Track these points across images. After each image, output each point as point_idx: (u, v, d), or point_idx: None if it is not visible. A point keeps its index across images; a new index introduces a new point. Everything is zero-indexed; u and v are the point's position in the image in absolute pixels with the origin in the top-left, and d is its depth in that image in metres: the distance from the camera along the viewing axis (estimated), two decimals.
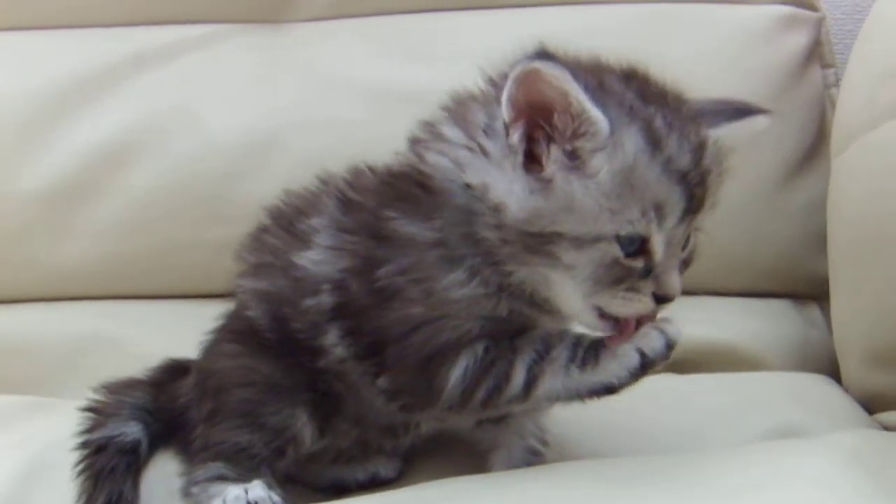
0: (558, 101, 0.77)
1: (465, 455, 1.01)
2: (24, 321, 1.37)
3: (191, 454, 0.96)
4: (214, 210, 1.34)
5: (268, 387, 0.93)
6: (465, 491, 0.87)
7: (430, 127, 0.87)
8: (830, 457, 0.84)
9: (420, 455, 1.04)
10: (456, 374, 0.84)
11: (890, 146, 1.09)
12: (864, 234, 1.11)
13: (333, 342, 0.90)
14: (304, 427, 0.92)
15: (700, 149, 0.80)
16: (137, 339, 1.33)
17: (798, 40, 1.37)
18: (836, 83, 1.40)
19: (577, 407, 0.85)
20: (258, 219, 0.98)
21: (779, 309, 1.36)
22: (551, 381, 0.83)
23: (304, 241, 0.92)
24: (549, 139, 0.79)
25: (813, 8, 1.41)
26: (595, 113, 0.76)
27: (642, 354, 0.81)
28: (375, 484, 1.01)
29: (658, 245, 0.79)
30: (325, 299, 0.90)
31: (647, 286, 0.80)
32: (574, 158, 0.78)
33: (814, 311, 1.37)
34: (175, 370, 1.09)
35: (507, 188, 0.80)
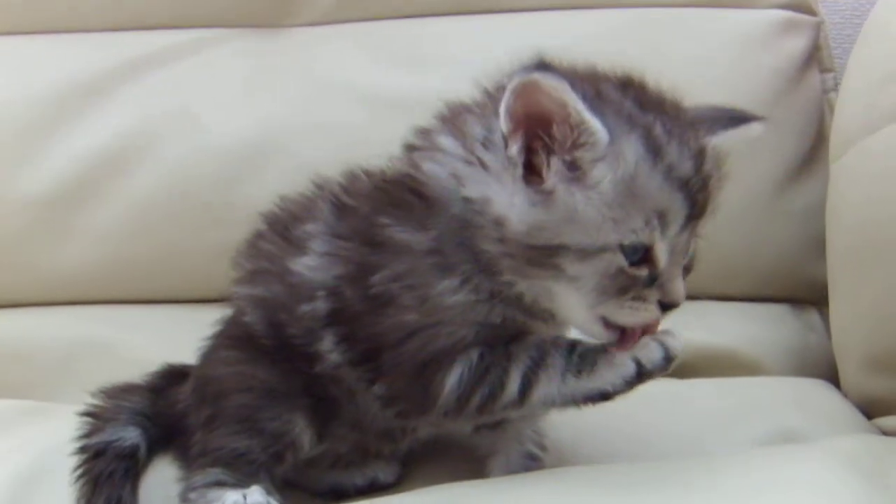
0: (557, 112, 0.77)
1: (464, 460, 1.01)
2: (21, 325, 1.37)
3: (189, 460, 0.96)
4: (212, 214, 1.34)
5: (265, 392, 0.92)
6: (463, 496, 0.87)
7: (425, 135, 0.87)
8: (829, 462, 0.84)
9: (419, 460, 1.04)
10: (451, 380, 0.84)
11: (889, 151, 1.09)
12: (863, 238, 1.11)
13: (329, 348, 0.90)
14: (302, 432, 0.92)
15: (700, 155, 0.80)
16: (135, 343, 1.33)
17: (797, 45, 1.38)
18: (835, 88, 1.40)
19: (576, 412, 0.85)
20: (254, 224, 0.98)
21: (777, 314, 1.36)
22: (546, 387, 0.83)
23: (299, 246, 0.92)
24: (549, 150, 0.78)
25: (811, 12, 1.41)
26: (594, 123, 0.76)
27: (639, 364, 0.81)
28: (374, 489, 1.01)
29: (662, 253, 0.79)
30: (320, 305, 0.90)
31: (653, 294, 0.81)
32: (574, 169, 0.78)
33: (812, 316, 1.37)
34: (173, 375, 1.09)
35: (508, 201, 0.79)
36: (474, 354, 0.84)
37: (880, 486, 0.80)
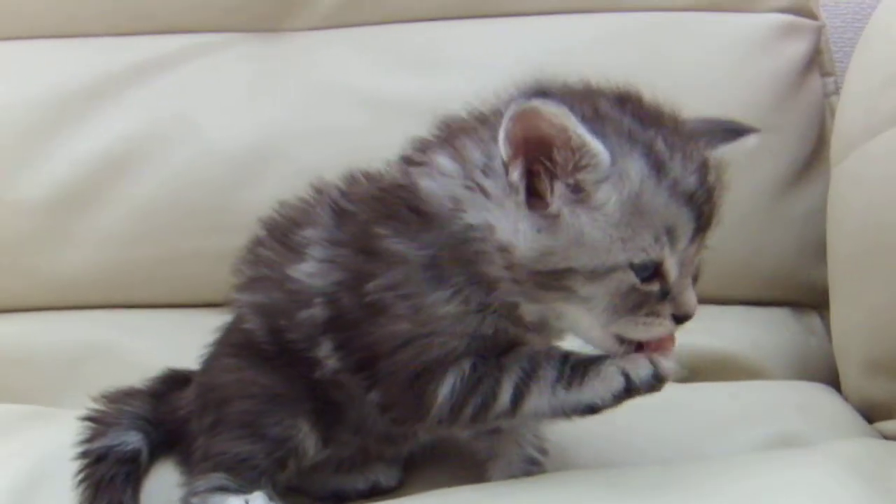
0: (557, 137, 0.76)
1: (465, 464, 1.01)
2: (23, 330, 1.37)
3: (191, 464, 0.96)
4: (214, 219, 1.34)
5: (268, 398, 0.93)
6: (464, 500, 0.87)
7: (423, 150, 0.87)
8: (830, 466, 0.84)
9: (420, 464, 1.04)
10: (444, 390, 0.84)
11: (890, 155, 1.09)
12: (864, 243, 1.11)
13: (327, 354, 0.90)
14: (306, 437, 0.92)
15: (703, 167, 0.80)
16: (136, 348, 1.33)
17: (798, 48, 1.38)
18: (836, 91, 1.40)
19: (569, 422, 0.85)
20: (254, 230, 0.98)
21: (778, 317, 1.36)
22: (538, 399, 0.83)
23: (298, 253, 0.92)
24: (552, 174, 0.78)
25: (812, 16, 1.41)
26: (595, 145, 0.76)
27: (627, 379, 0.80)
28: (375, 493, 1.01)
29: (672, 267, 0.79)
30: (318, 312, 0.90)
31: (666, 308, 0.81)
32: (578, 191, 0.77)
33: (813, 320, 1.37)
34: (175, 380, 1.09)
35: (513, 228, 0.79)
36: (466, 365, 0.84)
37: (881, 490, 0.80)
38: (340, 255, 0.89)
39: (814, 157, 1.36)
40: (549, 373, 0.83)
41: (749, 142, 0.87)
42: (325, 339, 0.90)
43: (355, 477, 1.01)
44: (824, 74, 1.41)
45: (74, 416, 1.05)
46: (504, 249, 0.80)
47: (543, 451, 0.98)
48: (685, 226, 0.78)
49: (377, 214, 0.87)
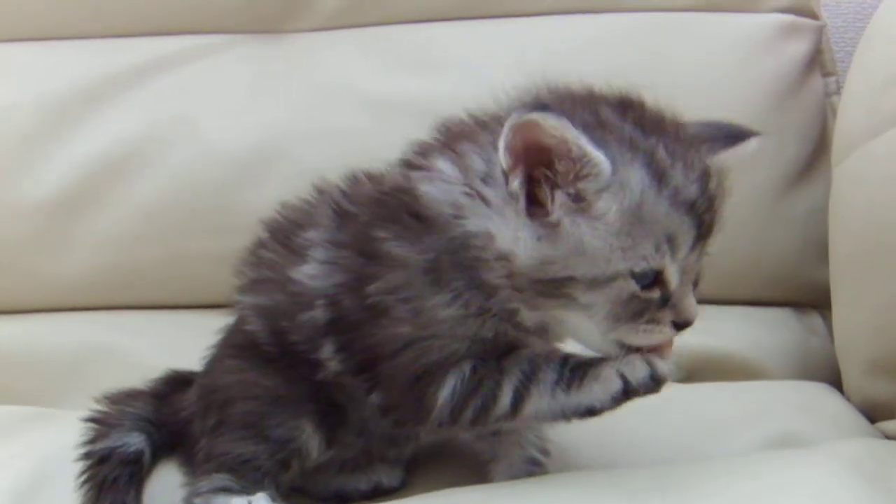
0: (557, 147, 0.76)
1: (467, 465, 1.01)
2: (25, 331, 1.37)
3: (194, 466, 0.96)
4: (215, 220, 1.34)
5: (271, 400, 0.93)
6: (466, 501, 0.87)
7: (424, 154, 0.87)
8: (832, 466, 0.84)
9: (423, 465, 1.04)
10: (444, 393, 0.84)
11: (891, 155, 1.09)
12: (866, 242, 1.11)
13: (328, 356, 0.90)
14: (309, 438, 0.92)
15: (705, 175, 0.80)
16: (138, 349, 1.33)
17: (799, 48, 1.38)
18: (838, 91, 1.40)
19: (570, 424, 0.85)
20: (256, 232, 0.98)
21: (780, 317, 1.36)
22: (538, 401, 0.83)
23: (299, 255, 0.92)
24: (552, 183, 0.78)
25: (813, 16, 1.41)
26: (595, 154, 0.75)
27: (625, 381, 0.80)
28: (378, 493, 1.01)
29: (673, 275, 0.79)
30: (320, 314, 0.90)
31: (666, 315, 0.81)
32: (579, 200, 0.77)
33: (815, 320, 1.37)
34: (177, 381, 1.09)
35: (513, 236, 0.79)
36: (467, 367, 0.84)
37: (883, 490, 0.80)
38: (342, 256, 0.89)
39: (815, 156, 1.36)
40: (548, 375, 0.83)
41: (747, 150, 0.87)
42: (326, 340, 0.90)
43: (358, 478, 1.01)
44: (825, 74, 1.41)
45: (77, 417, 1.05)
46: (504, 258, 0.80)
47: (545, 452, 0.98)
48: (686, 234, 0.78)
49: (378, 217, 0.87)
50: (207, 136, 1.36)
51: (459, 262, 0.82)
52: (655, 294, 0.79)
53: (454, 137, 0.86)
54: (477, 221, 0.81)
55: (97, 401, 1.07)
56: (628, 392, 0.81)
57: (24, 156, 1.37)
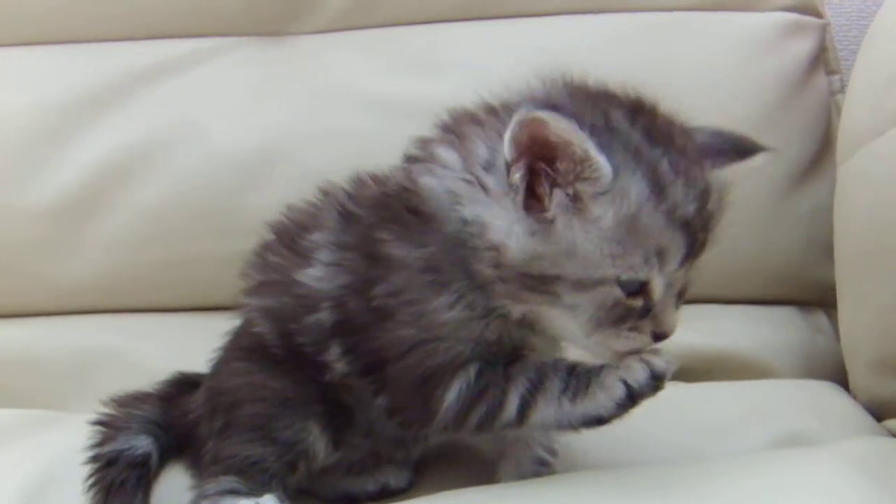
0: (562, 147, 0.76)
1: (475, 465, 1.01)
2: (31, 335, 1.37)
3: (201, 468, 0.96)
4: (220, 223, 1.34)
5: (278, 401, 0.93)
6: (473, 502, 0.87)
7: (425, 146, 0.87)
8: (838, 465, 0.84)
9: (430, 466, 1.04)
10: (450, 396, 0.84)
11: None
12: (871, 241, 1.11)
13: (335, 358, 0.91)
14: (317, 440, 0.93)
15: (705, 194, 0.80)
16: (144, 352, 1.33)
17: (803, 47, 1.38)
18: (842, 89, 1.40)
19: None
20: (261, 234, 0.98)
21: (785, 316, 1.36)
22: (544, 410, 0.83)
23: (305, 257, 0.92)
24: (553, 180, 0.78)
25: (817, 14, 1.41)
26: (599, 159, 0.76)
27: (627, 386, 0.80)
28: (385, 495, 1.01)
29: (658, 287, 0.80)
30: (326, 316, 0.90)
31: (647, 325, 0.81)
32: (576, 201, 0.77)
33: (820, 318, 1.37)
34: (184, 384, 1.09)
35: (507, 228, 0.79)
36: (472, 371, 0.84)
37: (890, 488, 0.80)
38: (347, 258, 0.89)
39: (820, 155, 1.36)
40: (555, 384, 0.83)
41: (753, 164, 0.87)
42: (333, 343, 0.90)
43: (365, 479, 1.01)
44: (830, 73, 1.41)
45: (84, 420, 1.05)
46: (495, 248, 0.80)
47: (553, 452, 0.98)
48: (677, 251, 0.79)
49: (380, 219, 0.87)
50: (211, 139, 1.36)
51: (455, 259, 0.82)
52: (639, 303, 0.80)
53: (461, 120, 0.86)
54: (472, 208, 0.81)
55: (104, 404, 1.07)
56: (633, 396, 0.81)
57: (28, 160, 1.37)
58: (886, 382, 1.13)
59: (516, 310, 0.83)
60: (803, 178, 1.35)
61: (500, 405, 0.84)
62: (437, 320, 0.83)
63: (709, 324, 1.29)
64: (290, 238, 0.95)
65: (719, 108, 1.25)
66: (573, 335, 0.83)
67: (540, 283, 0.79)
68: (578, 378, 0.83)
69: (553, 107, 0.76)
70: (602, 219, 0.77)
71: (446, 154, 0.84)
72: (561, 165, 0.77)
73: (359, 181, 0.95)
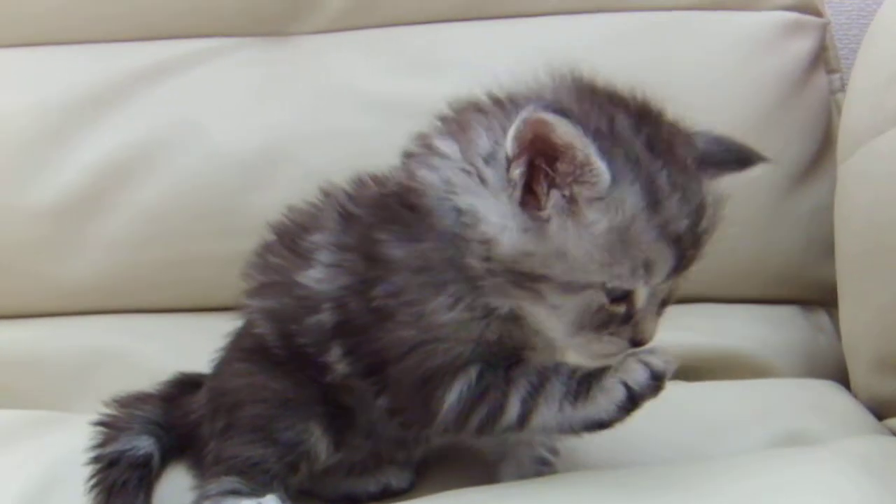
0: (564, 149, 0.76)
1: (476, 465, 1.01)
2: (33, 335, 1.38)
3: (203, 468, 0.96)
4: (222, 223, 1.34)
5: (280, 402, 0.93)
6: (475, 502, 0.87)
7: (423, 140, 0.87)
8: (839, 464, 0.84)
9: (432, 466, 1.04)
10: (451, 398, 0.84)
11: None
12: (872, 240, 1.11)
13: (336, 359, 0.91)
14: (318, 441, 0.93)
15: (700, 209, 0.80)
16: (146, 352, 1.33)
17: (803, 46, 1.38)
18: (842, 88, 1.40)
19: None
20: (263, 235, 0.99)
21: (786, 315, 1.36)
22: (546, 413, 0.83)
23: (306, 258, 0.92)
24: (551, 180, 0.78)
25: (817, 13, 1.41)
26: (600, 164, 0.76)
27: (628, 388, 0.81)
28: (387, 495, 1.02)
29: (642, 296, 0.80)
30: (327, 317, 0.90)
31: (626, 331, 0.82)
32: (572, 203, 0.78)
33: (821, 317, 1.37)
34: (186, 384, 1.09)
35: (501, 222, 0.79)
36: (473, 372, 0.84)
37: (891, 487, 0.80)
38: (347, 259, 0.89)
39: (820, 154, 1.36)
40: (556, 388, 0.83)
41: (757, 170, 0.87)
42: (334, 343, 0.90)
43: (367, 480, 1.01)
44: (830, 71, 1.41)
45: (86, 420, 1.05)
46: (486, 241, 0.80)
47: (554, 452, 0.98)
48: (664, 265, 0.79)
49: (379, 219, 0.87)
50: (213, 140, 1.36)
51: (450, 257, 0.82)
52: (621, 309, 0.80)
53: (465, 110, 0.86)
54: (467, 198, 0.81)
55: (106, 404, 1.07)
56: (633, 398, 0.81)
57: (29, 161, 1.37)
58: (887, 381, 1.13)
59: (503, 305, 0.83)
60: (803, 178, 1.35)
61: (501, 407, 0.84)
62: (437, 321, 0.83)
63: (710, 323, 1.29)
64: (290, 239, 0.96)
65: (719, 108, 1.26)
66: (554, 334, 0.83)
67: (527, 280, 0.79)
68: (579, 381, 0.83)
69: (560, 109, 0.76)
70: (595, 224, 0.77)
71: (445, 145, 0.84)
72: (561, 166, 0.77)
73: (359, 182, 0.96)
